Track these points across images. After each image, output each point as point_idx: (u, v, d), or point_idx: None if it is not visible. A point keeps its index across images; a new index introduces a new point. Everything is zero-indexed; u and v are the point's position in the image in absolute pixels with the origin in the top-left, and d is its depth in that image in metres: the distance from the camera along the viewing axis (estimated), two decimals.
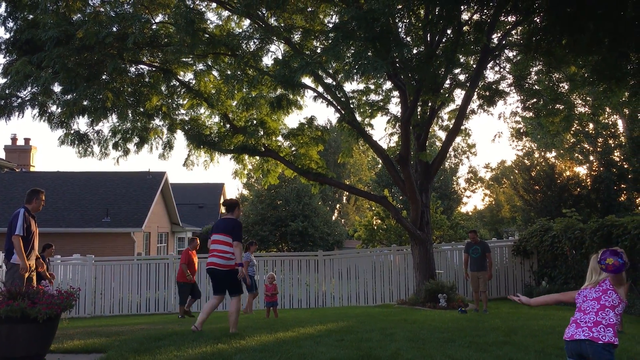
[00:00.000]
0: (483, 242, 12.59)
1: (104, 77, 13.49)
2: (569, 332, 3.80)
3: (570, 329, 3.82)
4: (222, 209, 7.68)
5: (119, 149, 14.59)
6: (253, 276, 12.69)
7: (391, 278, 16.24)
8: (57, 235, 23.74)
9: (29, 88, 13.23)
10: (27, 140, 32.65)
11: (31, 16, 13.06)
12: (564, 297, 4.10)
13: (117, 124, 14.44)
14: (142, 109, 14.43)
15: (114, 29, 12.37)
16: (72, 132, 14.08)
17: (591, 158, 29.03)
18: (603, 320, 3.71)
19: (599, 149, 28.17)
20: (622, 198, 27.45)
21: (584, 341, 3.69)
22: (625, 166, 27.05)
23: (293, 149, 15.56)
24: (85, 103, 13.25)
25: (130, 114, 14.29)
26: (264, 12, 12.91)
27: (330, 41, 11.17)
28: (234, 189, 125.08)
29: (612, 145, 28.29)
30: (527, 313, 10.60)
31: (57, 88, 13.33)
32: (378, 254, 17.50)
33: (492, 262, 12.56)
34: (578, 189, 27.67)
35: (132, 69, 14.28)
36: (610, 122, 28.16)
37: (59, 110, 13.56)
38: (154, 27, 13.53)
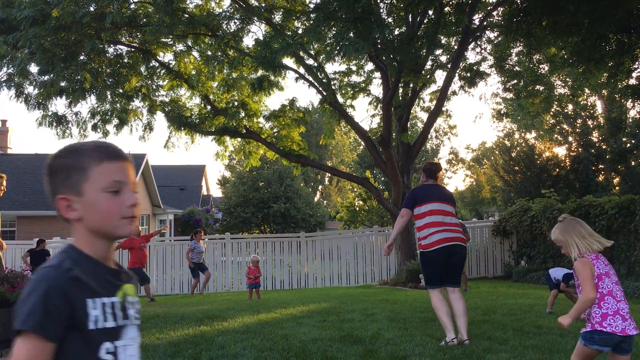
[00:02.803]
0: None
1: (81, 58, 13.27)
2: (619, 326, 3.51)
3: (617, 322, 3.53)
4: (423, 177, 6.19)
5: (98, 130, 14.45)
6: (197, 262, 13.68)
7: (373, 259, 16.34)
8: (37, 218, 23.49)
9: (5, 69, 13.00)
10: (3, 122, 32.02)
11: None
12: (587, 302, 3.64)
13: (96, 105, 14.27)
14: (121, 90, 14.25)
15: (91, 9, 12.15)
16: (49, 113, 13.89)
17: (570, 139, 29.34)
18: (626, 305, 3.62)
19: (577, 130, 28.47)
20: (600, 178, 27.84)
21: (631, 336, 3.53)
22: (604, 147, 27.40)
23: (275, 130, 15.51)
24: (62, 84, 13.06)
25: (109, 95, 14.12)
26: None
27: (311, 22, 11.09)
28: (215, 171, 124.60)
29: (591, 126, 28.60)
30: (506, 292, 10.76)
31: (33, 69, 13.11)
32: (360, 235, 17.59)
33: (469, 237, 12.59)
34: (557, 170, 27.98)
35: (111, 50, 14.08)
36: (589, 104, 28.45)
37: (36, 91, 13.35)
38: (132, 6, 13.31)
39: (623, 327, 3.51)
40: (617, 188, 27.48)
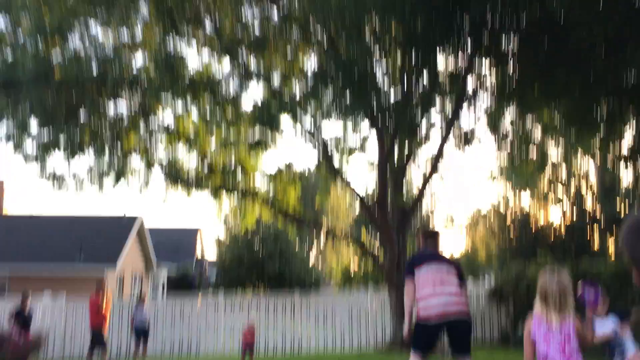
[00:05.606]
0: None
1: (81, 116, 13.52)
2: None
3: None
4: (422, 241, 5.93)
5: (94, 183, 14.57)
6: (142, 327, 14.16)
7: (368, 322, 16.05)
8: (29, 279, 23.22)
9: (5, 123, 13.25)
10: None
11: (10, 60, 13.09)
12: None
13: (94, 162, 14.44)
14: (119, 149, 14.45)
15: (94, 72, 12.46)
16: (47, 171, 14.03)
17: (564, 205, 29.36)
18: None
19: (571, 196, 28.59)
20: (595, 244, 27.76)
21: None
22: (597, 211, 27.47)
23: (271, 195, 15.67)
24: (61, 139, 13.28)
25: (107, 154, 14.30)
26: (244, 51, 13.15)
27: (310, 84, 11.37)
28: (210, 234, 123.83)
29: (584, 190, 28.75)
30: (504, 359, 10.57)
31: (33, 123, 13.35)
32: (355, 297, 17.36)
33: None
34: (552, 237, 28.04)
35: (111, 112, 14.34)
36: (583, 171, 28.63)
37: (35, 150, 13.55)
38: (134, 72, 13.64)
39: None
40: (612, 253, 27.39)
